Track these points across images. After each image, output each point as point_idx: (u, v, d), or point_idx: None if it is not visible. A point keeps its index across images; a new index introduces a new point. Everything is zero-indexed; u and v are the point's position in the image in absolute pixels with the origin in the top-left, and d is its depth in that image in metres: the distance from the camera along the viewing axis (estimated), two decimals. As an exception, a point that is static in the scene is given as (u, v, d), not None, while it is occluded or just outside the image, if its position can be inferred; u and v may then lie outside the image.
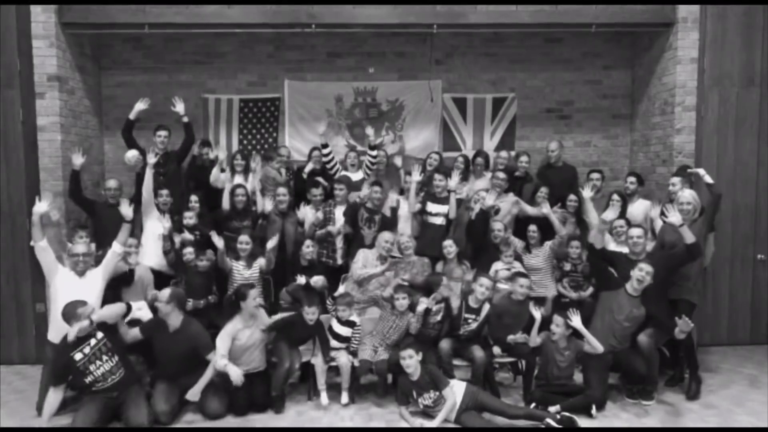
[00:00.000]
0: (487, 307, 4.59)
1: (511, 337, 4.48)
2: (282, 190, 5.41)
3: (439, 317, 4.61)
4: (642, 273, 4.35)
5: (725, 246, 5.68)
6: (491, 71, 6.46)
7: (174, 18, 5.41)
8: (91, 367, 3.95)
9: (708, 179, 4.62)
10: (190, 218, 5.20)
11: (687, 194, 4.66)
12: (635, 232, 4.68)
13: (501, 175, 5.59)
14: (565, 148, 6.15)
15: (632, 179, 5.57)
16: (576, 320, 4.31)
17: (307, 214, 5.41)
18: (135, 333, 4.25)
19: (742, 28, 5.61)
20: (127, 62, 6.23)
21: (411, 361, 4.15)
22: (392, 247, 5.04)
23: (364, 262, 5.05)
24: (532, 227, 5.28)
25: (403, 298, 4.57)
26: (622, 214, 5.19)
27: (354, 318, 4.67)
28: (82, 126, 5.74)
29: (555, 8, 5.56)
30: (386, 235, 5.06)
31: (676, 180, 5.16)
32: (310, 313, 4.52)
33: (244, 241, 4.90)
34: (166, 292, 4.29)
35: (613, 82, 6.51)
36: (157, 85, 6.26)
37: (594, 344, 4.27)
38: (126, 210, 4.61)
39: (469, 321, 4.56)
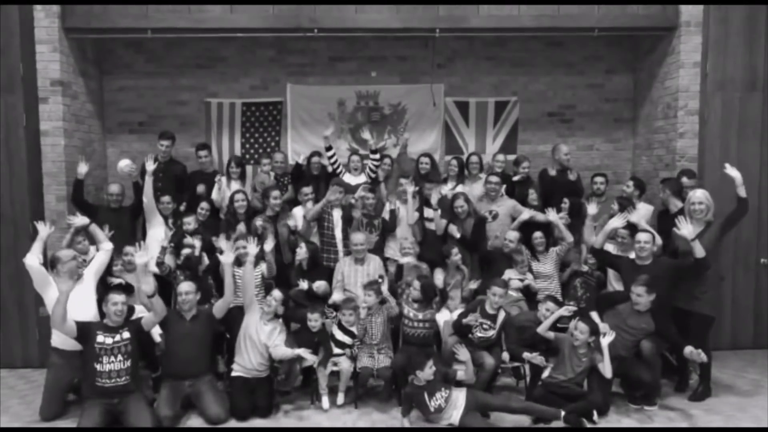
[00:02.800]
0: (502, 314, 4.57)
1: (527, 355, 4.39)
2: (275, 192, 5.37)
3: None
4: (635, 297, 4.38)
5: (728, 250, 5.65)
6: (493, 75, 6.46)
7: (176, 23, 5.42)
8: (104, 359, 4.01)
9: (742, 192, 4.52)
10: (189, 224, 5.19)
11: (699, 193, 4.59)
12: (643, 237, 4.61)
13: (494, 179, 5.58)
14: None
15: (629, 183, 5.60)
16: (607, 341, 4.27)
17: (297, 213, 5.46)
18: (162, 307, 4.36)
19: (745, 33, 5.59)
20: (128, 66, 6.25)
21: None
22: (362, 248, 5.00)
23: (342, 267, 5.08)
24: (538, 233, 5.25)
25: (368, 296, 4.61)
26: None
27: (353, 329, 4.64)
28: (84, 130, 5.76)
29: (557, 12, 5.56)
30: (357, 237, 5.04)
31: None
32: (313, 320, 4.54)
33: (240, 246, 4.84)
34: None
35: (615, 85, 6.51)
36: (159, 89, 6.29)
37: (607, 369, 4.26)
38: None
39: (485, 327, 4.53)
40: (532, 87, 6.50)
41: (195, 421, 4.31)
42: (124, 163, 5.47)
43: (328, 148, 5.80)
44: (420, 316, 4.61)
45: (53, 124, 5.28)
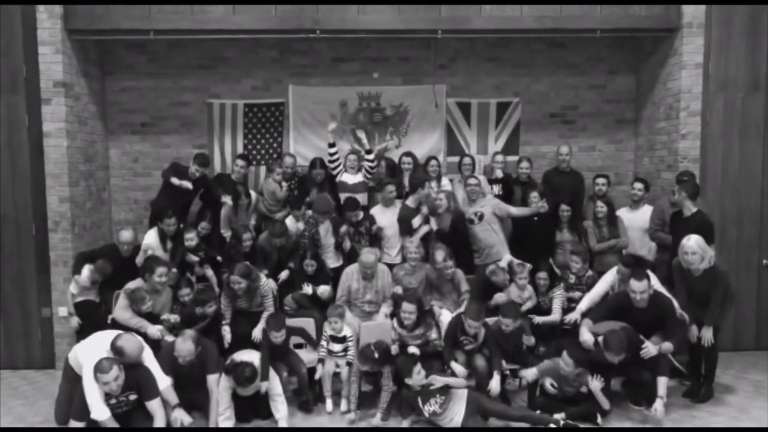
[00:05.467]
0: (482, 331, 4.48)
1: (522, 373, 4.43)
2: (278, 240, 5.20)
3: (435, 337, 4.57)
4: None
5: (730, 251, 5.66)
6: (495, 76, 6.46)
7: (179, 24, 5.41)
8: (112, 401, 3.87)
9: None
10: (191, 240, 5.11)
11: (692, 243, 4.39)
12: (638, 287, 4.31)
13: (473, 180, 5.57)
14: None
15: (639, 186, 5.58)
16: (595, 384, 4.19)
17: (289, 224, 5.48)
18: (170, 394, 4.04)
19: (748, 33, 5.58)
20: (131, 67, 6.24)
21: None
22: (372, 270, 4.92)
23: (348, 281, 5.00)
24: (542, 275, 5.10)
25: (375, 346, 4.37)
26: (612, 220, 5.36)
27: (346, 332, 4.59)
28: (87, 131, 5.76)
29: (560, 14, 5.56)
30: (368, 259, 4.88)
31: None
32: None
33: (235, 281, 4.68)
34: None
35: (617, 86, 6.51)
36: (162, 90, 6.29)
37: (604, 403, 4.21)
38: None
39: (465, 343, 4.49)
40: (534, 88, 6.49)
41: (198, 422, 4.29)
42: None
43: (332, 145, 5.78)
44: (414, 333, 4.53)
45: (56, 125, 5.28)
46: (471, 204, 5.53)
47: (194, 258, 5.12)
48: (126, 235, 5.09)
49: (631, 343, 4.18)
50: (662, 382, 4.19)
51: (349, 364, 4.52)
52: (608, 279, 4.85)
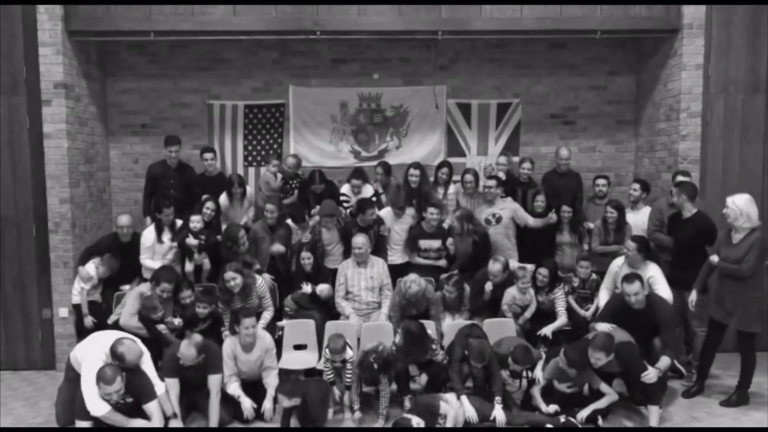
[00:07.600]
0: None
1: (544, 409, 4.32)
2: (270, 206, 5.30)
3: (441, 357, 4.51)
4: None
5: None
6: (496, 77, 6.46)
7: (179, 25, 5.42)
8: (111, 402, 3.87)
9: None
10: (197, 222, 5.14)
11: (728, 199, 4.44)
12: (631, 289, 4.32)
13: (489, 182, 5.55)
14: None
15: (636, 186, 5.58)
16: (583, 413, 4.18)
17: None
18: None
19: (748, 34, 5.58)
20: (132, 68, 6.25)
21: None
22: (363, 251, 4.98)
23: (344, 270, 5.07)
24: (543, 271, 5.01)
25: (374, 358, 4.22)
26: (620, 226, 5.29)
27: (346, 356, 4.42)
28: (87, 132, 5.77)
29: (560, 15, 5.56)
30: (358, 240, 4.99)
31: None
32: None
33: (230, 278, 4.70)
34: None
35: (617, 87, 6.51)
36: (162, 92, 6.29)
37: (612, 395, 4.25)
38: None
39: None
40: (534, 89, 6.49)
41: (199, 424, 4.32)
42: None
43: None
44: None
45: (56, 126, 5.28)
46: (488, 205, 5.53)
47: (194, 242, 5.09)
48: (124, 219, 5.29)
49: (633, 364, 4.19)
50: (654, 412, 4.18)
51: (348, 387, 4.40)
52: (610, 278, 4.89)
